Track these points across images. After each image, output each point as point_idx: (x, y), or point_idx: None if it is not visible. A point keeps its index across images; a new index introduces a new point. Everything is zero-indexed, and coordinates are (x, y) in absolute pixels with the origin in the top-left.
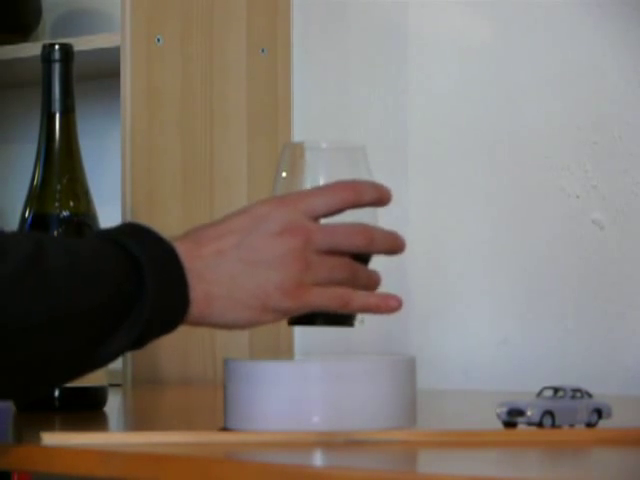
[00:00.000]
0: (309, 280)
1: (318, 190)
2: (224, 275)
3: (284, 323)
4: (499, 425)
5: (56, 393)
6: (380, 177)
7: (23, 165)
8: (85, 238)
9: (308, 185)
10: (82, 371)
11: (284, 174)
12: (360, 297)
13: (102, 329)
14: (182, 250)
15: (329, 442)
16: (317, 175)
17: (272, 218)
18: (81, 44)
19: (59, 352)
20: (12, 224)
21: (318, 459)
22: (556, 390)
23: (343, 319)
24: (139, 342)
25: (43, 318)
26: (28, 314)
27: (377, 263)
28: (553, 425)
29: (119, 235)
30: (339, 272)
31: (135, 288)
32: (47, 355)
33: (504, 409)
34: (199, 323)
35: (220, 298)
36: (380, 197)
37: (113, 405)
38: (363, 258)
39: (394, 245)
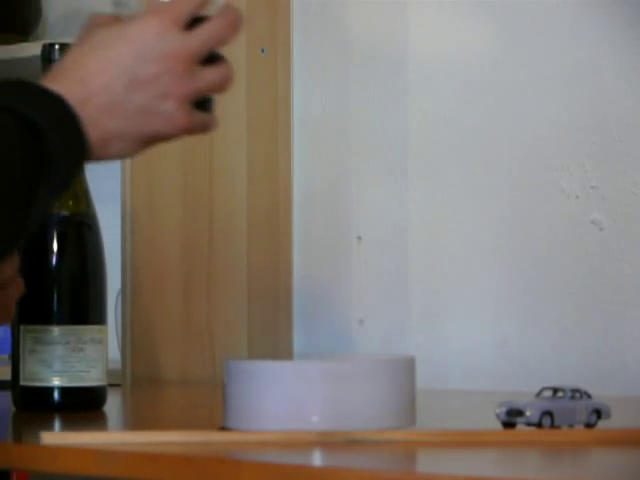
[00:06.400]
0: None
1: None
2: (115, 116)
3: (283, 322)
4: (498, 425)
5: (56, 393)
6: (380, 177)
7: None
8: None
9: None
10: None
11: None
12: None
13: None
14: (72, 97)
15: (328, 442)
16: None
17: (148, 42)
18: None
19: None
20: None
21: (317, 459)
22: (555, 390)
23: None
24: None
25: None
26: None
27: (376, 263)
28: (552, 425)
29: (5, 98)
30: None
31: (39, 159)
32: None
33: (503, 409)
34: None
35: (114, 139)
36: None
37: (112, 405)
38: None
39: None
